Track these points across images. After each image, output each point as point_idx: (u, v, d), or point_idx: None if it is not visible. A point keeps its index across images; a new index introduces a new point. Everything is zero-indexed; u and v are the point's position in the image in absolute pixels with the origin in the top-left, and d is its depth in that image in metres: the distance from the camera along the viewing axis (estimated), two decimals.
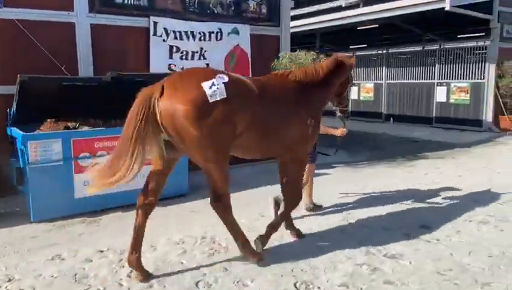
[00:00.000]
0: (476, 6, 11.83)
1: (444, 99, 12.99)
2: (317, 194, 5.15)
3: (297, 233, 4.12)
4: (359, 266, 3.52)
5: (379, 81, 15.27)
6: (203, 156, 3.14)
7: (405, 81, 14.33)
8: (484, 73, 12.03)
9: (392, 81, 14.81)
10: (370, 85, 15.55)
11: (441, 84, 13.14)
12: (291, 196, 3.85)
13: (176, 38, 6.58)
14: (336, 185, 6.22)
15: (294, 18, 15.94)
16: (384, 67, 15.09)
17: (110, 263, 3.62)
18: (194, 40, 6.74)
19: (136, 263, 3.27)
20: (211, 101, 2.99)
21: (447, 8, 10.46)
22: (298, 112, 3.62)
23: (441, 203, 5.25)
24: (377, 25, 14.54)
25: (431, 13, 11.99)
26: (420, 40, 14.71)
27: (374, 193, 5.79)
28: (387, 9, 11.82)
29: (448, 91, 12.91)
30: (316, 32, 17.25)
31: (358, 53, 16.06)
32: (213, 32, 6.92)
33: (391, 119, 14.78)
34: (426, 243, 4.01)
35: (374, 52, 15.73)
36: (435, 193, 5.71)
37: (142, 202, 3.25)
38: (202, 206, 4.99)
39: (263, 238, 3.69)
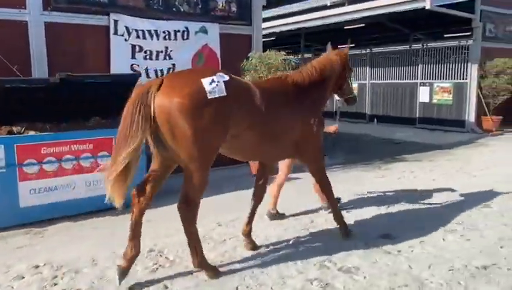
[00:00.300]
0: (458, 5, 11.71)
1: (427, 100, 12.84)
2: (283, 200, 4.91)
3: (253, 245, 3.94)
4: (310, 282, 3.29)
5: (363, 81, 15.09)
6: (189, 154, 3.03)
7: (389, 81, 14.17)
8: (467, 73, 11.89)
9: (376, 81, 14.64)
10: (354, 85, 15.30)
11: (424, 84, 13.00)
12: (326, 191, 4.06)
13: (138, 37, 6.31)
14: (304, 191, 5.98)
15: (279, 17, 15.87)
16: (367, 67, 14.92)
17: (42, 280, 3.36)
18: (159, 39, 6.47)
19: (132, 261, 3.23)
20: (209, 97, 2.98)
21: (428, 7, 10.30)
22: (299, 114, 3.67)
23: (408, 211, 5.04)
24: (364, 24, 14.48)
25: (416, 12, 11.84)
26: (407, 40, 14.54)
27: (342, 199, 5.56)
28: (369, 8, 11.63)
29: (431, 91, 12.76)
30: (301, 32, 17.13)
31: None
32: (179, 31, 6.65)
33: (375, 120, 14.57)
34: (386, 254, 3.79)
35: (358, 51, 15.53)
36: (404, 199, 5.50)
37: (136, 201, 3.18)
38: (158, 215, 4.74)
39: (342, 230, 4.11)
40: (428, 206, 5.22)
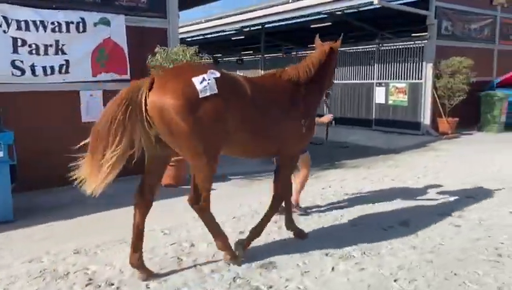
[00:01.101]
0: (414, 2, 11.22)
1: (383, 101, 12.28)
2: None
3: (300, 232, 4.14)
4: None
5: None
6: (192, 152, 3.11)
7: (346, 81, 13.57)
8: (422, 73, 11.36)
9: (334, 82, 14.02)
10: None
11: (380, 85, 12.45)
12: (278, 195, 3.85)
13: (20, 28, 5.50)
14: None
15: (241, 14, 15.19)
16: None
17: None
18: (46, 31, 5.67)
19: (138, 262, 3.27)
20: (201, 96, 2.98)
21: (376, 2, 9.71)
22: (292, 112, 3.60)
23: (307, 230, 4.35)
24: (330, 23, 14.06)
25: (377, 11, 11.43)
26: (373, 39, 14.01)
27: (243, 215, 4.88)
28: (318, 4, 11.02)
29: (387, 92, 12.21)
30: (261, 31, 16.51)
31: (300, 53, 15.35)
32: (72, 23, 5.86)
33: (333, 122, 13.98)
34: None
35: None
36: (315, 214, 4.85)
37: (138, 201, 3.26)
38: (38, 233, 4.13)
39: (244, 242, 3.66)
40: (335, 226, 4.55)
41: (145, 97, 2.95)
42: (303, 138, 3.79)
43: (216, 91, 3.03)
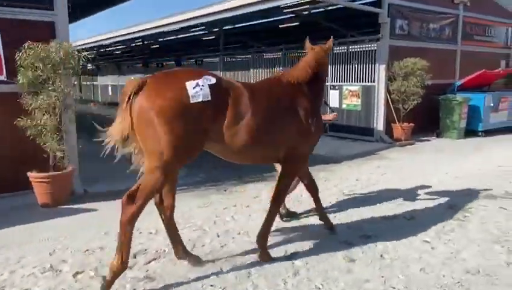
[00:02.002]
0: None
1: (337, 105, 11.53)
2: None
3: (331, 225, 4.43)
4: None
5: None
6: (157, 155, 2.93)
7: None
8: (375, 75, 10.64)
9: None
10: None
11: (333, 88, 11.70)
12: (280, 193, 3.80)
13: None
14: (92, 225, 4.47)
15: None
16: (281, 68, 13.54)
17: None
18: None
19: (182, 253, 3.55)
20: (191, 101, 2.93)
21: None
22: (298, 113, 3.58)
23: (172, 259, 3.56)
24: (298, 23, 13.69)
25: (345, 10, 10.80)
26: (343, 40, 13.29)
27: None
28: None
29: (341, 95, 11.47)
30: (220, 32, 15.87)
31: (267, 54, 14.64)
32: None
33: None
34: None
35: (272, 55, 14.16)
36: (197, 239, 4.04)
37: (158, 205, 3.40)
38: None
39: (261, 254, 3.70)
40: (209, 253, 3.74)
41: (135, 97, 2.93)
42: (313, 137, 3.76)
43: (209, 98, 2.98)
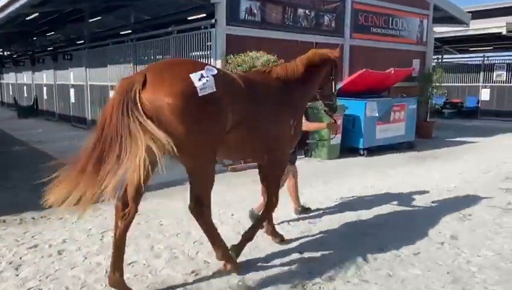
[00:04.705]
0: None
1: None
2: None
3: (280, 238, 4.19)
4: None
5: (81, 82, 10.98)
6: (191, 155, 2.96)
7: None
8: None
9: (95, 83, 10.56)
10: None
11: None
12: (268, 201, 3.82)
13: None
14: None
15: None
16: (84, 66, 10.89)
17: None
18: None
19: (118, 283, 3.10)
20: (200, 94, 2.84)
21: None
22: (281, 111, 3.59)
23: None
24: None
25: None
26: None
27: None
28: None
29: None
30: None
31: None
32: None
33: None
34: None
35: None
36: None
37: (121, 211, 3.05)
38: None
39: (236, 248, 3.63)
40: None
41: (139, 95, 2.72)
42: (291, 140, 3.78)
43: (214, 89, 2.89)
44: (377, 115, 9.00)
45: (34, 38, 19.81)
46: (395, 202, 5.71)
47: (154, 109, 2.72)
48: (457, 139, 12.10)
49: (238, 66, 7.54)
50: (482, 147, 10.84)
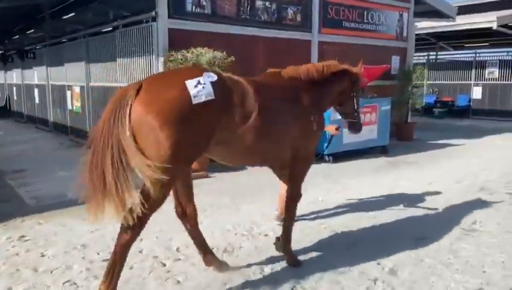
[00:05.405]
0: None
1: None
2: None
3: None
4: None
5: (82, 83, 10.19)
6: (159, 165, 2.63)
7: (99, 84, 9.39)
8: (152, 70, 7.26)
9: (96, 84, 9.77)
10: (77, 89, 10.49)
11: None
12: (292, 198, 3.77)
13: None
14: None
15: None
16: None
17: None
18: None
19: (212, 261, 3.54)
20: (194, 102, 2.74)
21: None
22: (299, 108, 3.52)
23: None
24: None
25: None
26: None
27: None
28: None
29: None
30: None
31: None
32: None
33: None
34: None
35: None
36: None
37: (181, 217, 3.41)
38: None
39: (285, 253, 3.77)
40: None
41: (131, 104, 2.65)
42: (315, 136, 3.69)
43: (213, 96, 2.81)
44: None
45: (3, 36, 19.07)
46: (338, 222, 4.91)
47: (142, 119, 2.63)
48: (440, 141, 11.27)
49: (180, 64, 6.74)
50: (466, 151, 10.03)
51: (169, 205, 5.21)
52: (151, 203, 2.73)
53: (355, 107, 4.16)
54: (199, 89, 2.74)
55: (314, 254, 4.05)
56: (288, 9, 8.74)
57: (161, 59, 7.05)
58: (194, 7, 7.39)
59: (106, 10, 11.84)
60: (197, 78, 2.79)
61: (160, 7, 6.98)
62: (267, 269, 3.71)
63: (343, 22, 9.89)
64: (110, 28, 8.68)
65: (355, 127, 4.30)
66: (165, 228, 4.64)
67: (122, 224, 2.75)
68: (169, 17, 7.10)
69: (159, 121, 2.61)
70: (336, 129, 4.74)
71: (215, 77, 2.91)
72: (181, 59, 6.76)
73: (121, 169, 2.60)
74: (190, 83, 2.75)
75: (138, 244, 4.23)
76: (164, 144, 2.62)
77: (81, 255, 3.99)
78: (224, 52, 6.95)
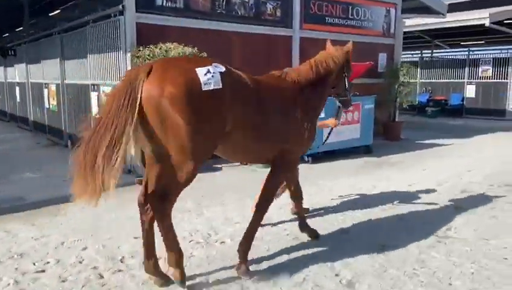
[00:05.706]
0: None
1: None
2: None
3: (314, 234, 4.26)
4: None
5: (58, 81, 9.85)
6: (179, 147, 2.82)
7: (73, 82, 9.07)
8: (121, 68, 6.94)
9: (71, 82, 9.43)
10: (53, 87, 10.15)
11: (94, 89, 7.99)
12: (265, 199, 3.63)
13: None
14: None
15: None
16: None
17: None
18: None
19: (153, 271, 3.26)
20: (204, 89, 2.82)
21: None
22: (295, 114, 3.56)
23: None
24: None
25: None
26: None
27: None
28: None
29: (100, 99, 7.76)
30: None
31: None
32: None
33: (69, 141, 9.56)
34: None
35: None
36: None
37: (143, 203, 3.13)
38: None
39: (240, 264, 3.48)
40: None
41: (142, 85, 2.72)
42: (306, 141, 3.72)
43: (220, 86, 2.88)
44: (323, 116, 7.85)
45: None
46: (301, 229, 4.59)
47: (154, 99, 2.70)
48: (428, 141, 10.95)
49: (148, 59, 6.42)
50: (454, 150, 9.71)
51: (127, 211, 4.91)
52: (181, 186, 2.96)
53: (346, 86, 4.20)
54: (209, 77, 2.83)
55: (268, 264, 3.73)
56: (267, 4, 8.41)
57: (129, 55, 6.72)
58: (165, 1, 7.07)
59: (79, 4, 11.52)
60: (207, 67, 2.89)
61: (127, 0, 6.65)
62: (213, 281, 3.40)
63: (326, 18, 9.56)
64: (83, 23, 8.34)
65: (347, 104, 4.37)
66: (115, 235, 4.34)
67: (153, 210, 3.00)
68: (137, 10, 6.77)
69: (171, 104, 2.69)
70: (335, 119, 4.61)
71: (223, 68, 3.00)
72: (148, 55, 6.44)
73: (114, 152, 2.62)
74: (200, 71, 2.85)
75: (80, 253, 3.93)
76: (179, 125, 2.73)
77: (15, 265, 3.68)
78: (196, 48, 6.63)
